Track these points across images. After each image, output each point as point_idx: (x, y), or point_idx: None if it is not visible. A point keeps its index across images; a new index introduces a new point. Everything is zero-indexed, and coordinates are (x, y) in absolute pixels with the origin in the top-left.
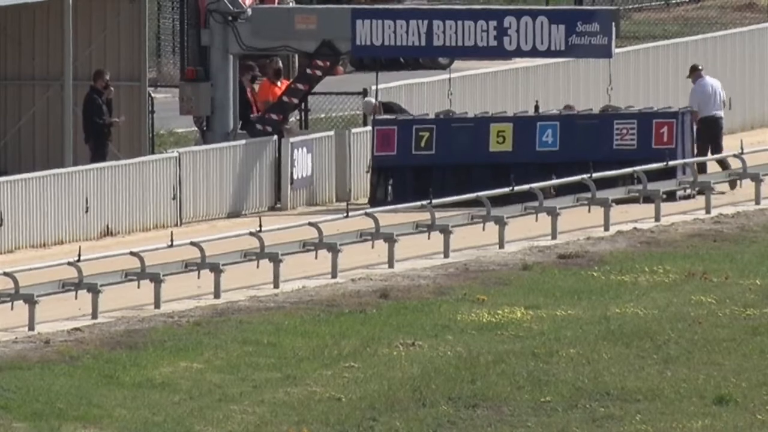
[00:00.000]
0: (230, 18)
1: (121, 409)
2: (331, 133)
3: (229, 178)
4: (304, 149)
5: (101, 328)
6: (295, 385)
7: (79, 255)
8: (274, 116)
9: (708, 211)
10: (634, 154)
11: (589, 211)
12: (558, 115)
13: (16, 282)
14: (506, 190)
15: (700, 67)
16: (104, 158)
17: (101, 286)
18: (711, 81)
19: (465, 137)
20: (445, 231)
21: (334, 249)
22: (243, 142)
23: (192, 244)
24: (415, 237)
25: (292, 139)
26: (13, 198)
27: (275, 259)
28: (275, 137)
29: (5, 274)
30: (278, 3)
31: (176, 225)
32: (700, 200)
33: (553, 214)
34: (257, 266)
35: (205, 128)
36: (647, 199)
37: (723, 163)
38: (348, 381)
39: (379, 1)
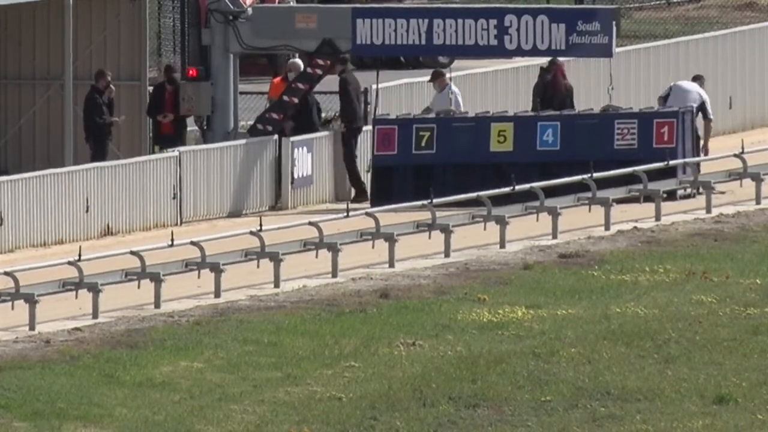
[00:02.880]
0: (231, 17)
1: (121, 409)
2: (332, 132)
3: (229, 177)
4: (305, 149)
5: (102, 327)
6: (296, 385)
7: (80, 254)
8: (274, 115)
9: (708, 211)
10: (635, 153)
11: (589, 210)
12: (558, 114)
13: (16, 281)
14: (507, 189)
15: (445, 73)
16: (104, 157)
17: (101, 285)
18: (455, 89)
19: (465, 137)
20: (446, 230)
21: (334, 248)
22: (243, 141)
23: (192, 243)
24: (415, 236)
25: (292, 139)
26: (13, 197)
27: (276, 259)
28: (275, 137)
29: (6, 273)
30: (279, 2)
31: (177, 224)
32: (701, 200)
33: (554, 213)
34: (258, 266)
35: (205, 127)
36: (648, 198)
37: None
38: (348, 380)
39: (380, 0)
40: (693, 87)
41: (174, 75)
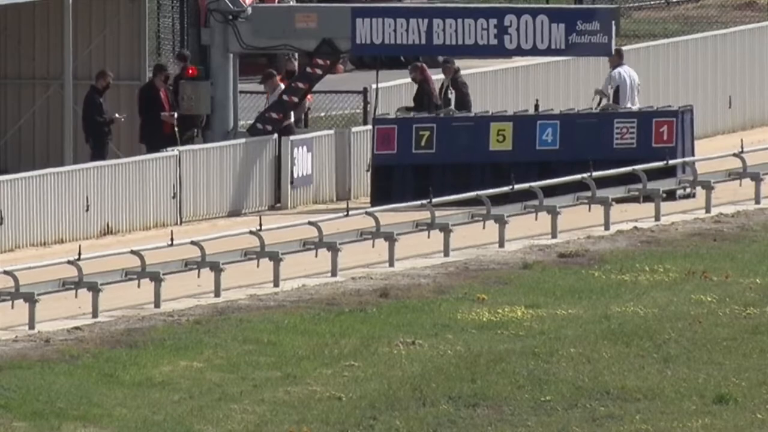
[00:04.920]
0: (230, 17)
1: (121, 408)
2: (332, 132)
3: (229, 176)
4: (305, 148)
5: (101, 326)
6: (296, 384)
7: (80, 254)
8: (274, 115)
9: (708, 210)
10: (634, 153)
11: (589, 210)
12: (558, 114)
13: (16, 280)
14: (506, 188)
15: (275, 74)
16: (104, 157)
17: (101, 284)
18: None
19: (465, 136)
20: (446, 230)
21: (334, 248)
22: (243, 140)
23: (192, 242)
24: (415, 236)
25: (292, 138)
26: (13, 197)
27: (275, 258)
28: (275, 136)
29: (6, 272)
30: (278, 2)
31: (176, 224)
32: (700, 199)
33: (554, 213)
34: (257, 265)
35: (204, 127)
36: (647, 198)
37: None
38: (348, 380)
39: (380, 0)
40: (630, 72)
41: (168, 74)
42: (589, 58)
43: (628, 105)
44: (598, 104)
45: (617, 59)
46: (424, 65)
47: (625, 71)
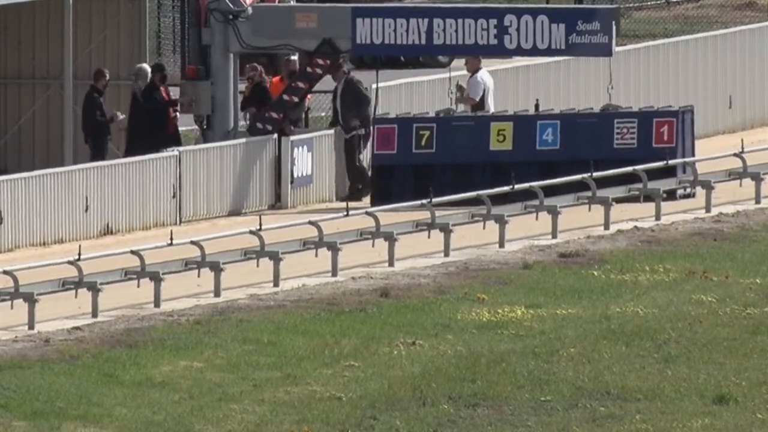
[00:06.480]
0: (231, 17)
1: (121, 408)
2: (332, 131)
3: (229, 176)
4: (305, 148)
5: (101, 326)
6: (296, 384)
7: (79, 254)
8: (274, 114)
9: (708, 210)
10: (635, 153)
11: (589, 210)
12: (558, 114)
13: (16, 280)
14: (507, 188)
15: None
16: (104, 157)
17: (101, 284)
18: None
19: (465, 136)
20: (446, 230)
21: (334, 248)
22: (243, 140)
23: (192, 242)
24: (415, 236)
25: (292, 138)
26: (13, 196)
27: (275, 258)
28: (275, 136)
29: (5, 272)
30: (279, 1)
31: (176, 223)
32: (701, 199)
33: (554, 212)
34: (257, 265)
35: (205, 127)
36: (647, 198)
37: None
38: (348, 380)
39: (380, 0)
40: (488, 75)
41: (166, 73)
42: (590, 58)
43: (491, 107)
44: (458, 98)
45: (477, 63)
46: (262, 68)
47: (486, 75)
